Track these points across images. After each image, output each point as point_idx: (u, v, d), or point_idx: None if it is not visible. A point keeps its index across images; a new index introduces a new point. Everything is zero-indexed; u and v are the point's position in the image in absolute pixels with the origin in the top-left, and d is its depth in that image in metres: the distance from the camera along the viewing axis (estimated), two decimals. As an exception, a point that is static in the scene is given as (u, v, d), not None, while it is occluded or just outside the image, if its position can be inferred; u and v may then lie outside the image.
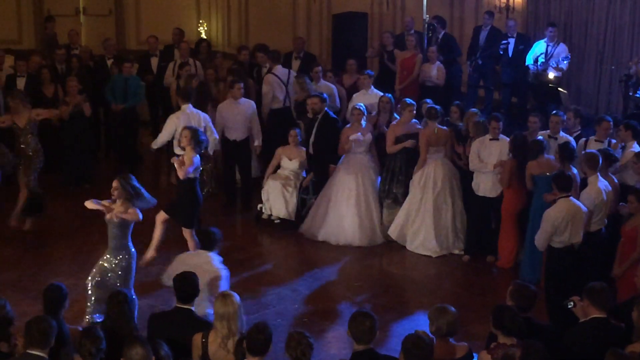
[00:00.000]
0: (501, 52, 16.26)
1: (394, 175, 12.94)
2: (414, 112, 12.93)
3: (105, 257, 9.58)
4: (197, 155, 11.12)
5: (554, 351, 7.29)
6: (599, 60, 15.93)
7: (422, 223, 12.69)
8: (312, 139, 13.30)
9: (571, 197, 9.99)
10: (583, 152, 11.13)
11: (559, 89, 14.93)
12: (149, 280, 11.53)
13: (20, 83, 15.53)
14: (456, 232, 12.77)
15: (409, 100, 13.13)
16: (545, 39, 15.52)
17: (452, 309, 7.29)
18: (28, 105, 13.18)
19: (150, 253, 11.23)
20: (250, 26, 21.07)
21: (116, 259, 9.53)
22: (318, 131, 13.24)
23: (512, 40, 16.29)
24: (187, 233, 11.41)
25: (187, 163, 11.02)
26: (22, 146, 13.02)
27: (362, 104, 13.34)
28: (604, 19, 15.82)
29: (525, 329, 7.26)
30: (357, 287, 11.68)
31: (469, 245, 12.59)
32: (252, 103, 14.16)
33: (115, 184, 9.51)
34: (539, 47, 15.57)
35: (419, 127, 12.91)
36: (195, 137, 11.08)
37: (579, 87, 16.28)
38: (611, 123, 12.01)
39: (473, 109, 13.33)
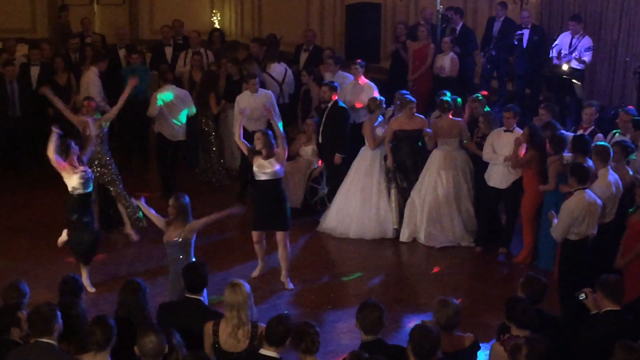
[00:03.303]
0: (515, 43, 16.18)
1: (400, 166, 12.90)
2: (414, 108, 12.82)
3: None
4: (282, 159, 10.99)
5: (566, 343, 7.28)
6: (613, 52, 15.83)
7: (426, 214, 12.70)
8: (321, 128, 13.32)
9: (587, 189, 9.94)
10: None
11: (573, 80, 14.86)
12: (159, 268, 11.58)
13: (34, 72, 15.65)
14: (464, 224, 12.74)
15: (409, 96, 13.04)
16: (569, 32, 15.36)
17: (455, 301, 7.27)
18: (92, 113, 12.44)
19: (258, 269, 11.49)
20: (263, 16, 21.05)
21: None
22: (327, 120, 13.26)
23: (526, 32, 16.19)
24: (281, 237, 11.17)
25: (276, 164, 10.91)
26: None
27: (365, 95, 13.36)
28: (619, 10, 15.71)
29: (537, 321, 7.25)
30: (369, 278, 11.69)
31: (481, 236, 12.56)
32: (269, 93, 14.12)
33: (171, 202, 9.23)
34: (564, 39, 15.40)
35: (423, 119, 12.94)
36: (269, 140, 10.93)
37: (592, 78, 16.18)
38: (632, 114, 11.94)
39: (476, 94, 13.31)
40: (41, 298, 8.90)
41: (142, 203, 9.74)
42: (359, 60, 14.59)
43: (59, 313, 6.81)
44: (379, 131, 12.93)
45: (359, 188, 12.97)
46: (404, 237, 12.83)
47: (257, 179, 11.07)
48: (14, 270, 11.14)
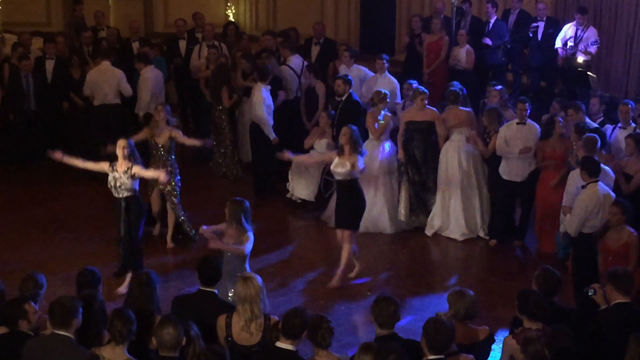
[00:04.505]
0: (530, 35, 16.15)
1: (411, 159, 12.87)
2: (426, 100, 12.78)
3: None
4: (362, 157, 10.88)
5: (579, 336, 7.28)
6: (628, 44, 15.78)
7: (452, 206, 12.70)
8: (335, 121, 13.32)
9: (600, 182, 9.90)
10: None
11: (588, 73, 14.81)
12: (174, 262, 11.62)
13: (49, 65, 15.65)
14: (482, 214, 12.72)
15: (421, 87, 13.04)
16: (574, 23, 15.39)
17: (471, 292, 7.31)
18: (172, 124, 12.38)
19: (336, 279, 11.13)
20: (278, 9, 21.03)
21: (233, 289, 8.61)
22: (340, 112, 13.24)
23: (541, 24, 16.16)
24: (348, 235, 11.14)
25: (350, 166, 10.78)
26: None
27: (384, 89, 13.33)
28: (634, 3, 15.66)
29: (551, 314, 7.24)
30: (383, 271, 11.69)
31: (496, 229, 12.53)
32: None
33: (228, 206, 9.10)
34: (569, 31, 15.42)
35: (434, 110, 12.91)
36: (354, 136, 10.86)
37: (608, 71, 16.14)
38: (630, 106, 11.91)
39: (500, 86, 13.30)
40: (57, 291, 8.95)
41: (204, 230, 9.38)
42: (383, 55, 14.58)
43: (80, 309, 6.86)
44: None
45: (378, 187, 12.89)
46: (430, 230, 12.84)
47: (336, 177, 11.13)
48: (30, 264, 11.16)
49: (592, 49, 15.09)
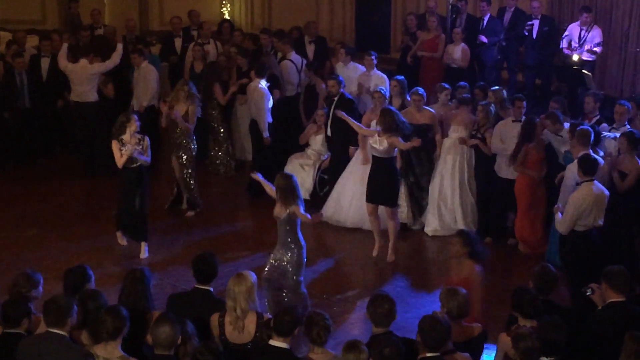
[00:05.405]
0: (526, 33, 16.14)
1: (408, 161, 12.86)
2: (422, 102, 12.75)
3: (275, 254, 9.50)
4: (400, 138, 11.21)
5: (574, 334, 7.29)
6: (623, 43, 15.78)
7: (430, 201, 12.82)
8: (329, 121, 13.29)
9: (595, 181, 9.89)
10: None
11: (583, 71, 14.80)
12: (170, 259, 11.61)
13: (45, 63, 15.62)
14: (463, 212, 12.73)
15: (420, 90, 12.95)
16: (578, 22, 15.35)
17: (463, 290, 7.31)
18: (191, 100, 12.84)
19: (391, 253, 11.79)
20: (273, 7, 21.03)
21: (287, 254, 9.44)
22: (335, 112, 13.21)
23: (536, 22, 16.15)
24: (389, 212, 11.61)
25: (388, 145, 11.20)
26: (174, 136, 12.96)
27: (383, 87, 13.31)
28: (629, 1, 15.67)
29: (545, 312, 7.25)
30: (380, 269, 11.68)
31: (490, 227, 12.53)
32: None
33: (276, 180, 9.44)
34: (573, 31, 15.37)
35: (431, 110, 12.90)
36: (387, 117, 11.18)
37: (603, 69, 16.14)
38: (627, 107, 11.90)
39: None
40: (51, 289, 8.94)
41: (258, 177, 10.08)
42: (372, 52, 14.59)
43: (75, 307, 6.84)
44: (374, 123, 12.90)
45: (358, 178, 12.87)
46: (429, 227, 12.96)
47: (371, 153, 11.52)
48: (24, 261, 11.17)
49: (598, 49, 15.06)
